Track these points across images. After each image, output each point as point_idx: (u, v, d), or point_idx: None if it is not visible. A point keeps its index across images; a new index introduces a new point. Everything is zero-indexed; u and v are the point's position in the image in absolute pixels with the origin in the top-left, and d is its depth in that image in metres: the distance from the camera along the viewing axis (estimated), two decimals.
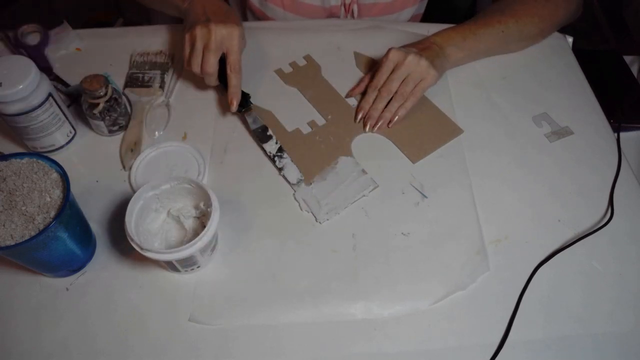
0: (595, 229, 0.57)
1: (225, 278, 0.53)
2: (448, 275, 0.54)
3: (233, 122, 0.66)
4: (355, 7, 0.79)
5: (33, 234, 0.44)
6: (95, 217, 0.57)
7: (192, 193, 0.53)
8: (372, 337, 0.50)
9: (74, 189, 0.59)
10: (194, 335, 0.50)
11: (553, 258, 0.55)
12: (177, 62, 0.71)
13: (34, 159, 0.48)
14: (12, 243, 0.43)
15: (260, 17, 0.81)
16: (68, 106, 0.64)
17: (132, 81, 0.69)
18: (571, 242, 0.56)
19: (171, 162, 0.61)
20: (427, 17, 0.86)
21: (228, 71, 0.62)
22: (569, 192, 0.61)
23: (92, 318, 0.50)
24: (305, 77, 0.70)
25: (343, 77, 0.70)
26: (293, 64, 0.71)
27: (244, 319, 0.51)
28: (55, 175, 0.48)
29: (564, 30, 0.79)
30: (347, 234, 0.56)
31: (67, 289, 0.52)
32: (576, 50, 0.77)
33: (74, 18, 1.30)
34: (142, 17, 1.31)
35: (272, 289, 0.53)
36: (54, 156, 0.61)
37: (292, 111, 0.66)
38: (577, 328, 0.51)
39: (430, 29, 0.78)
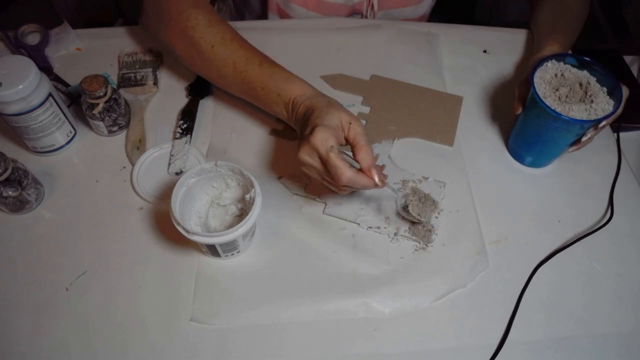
0: (595, 229, 0.57)
1: (225, 278, 0.53)
2: (448, 274, 0.54)
3: (232, 122, 0.66)
4: (375, 0, 0.78)
5: None
6: (96, 217, 0.57)
7: (232, 180, 0.54)
8: (372, 337, 0.50)
9: (74, 189, 0.59)
10: (194, 335, 0.50)
11: (553, 258, 0.55)
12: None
13: None
14: None
15: (282, 17, 0.81)
16: (68, 106, 0.64)
17: (125, 81, 0.69)
18: (571, 242, 0.56)
19: None
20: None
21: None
22: (569, 192, 0.61)
23: (91, 318, 0.50)
24: None
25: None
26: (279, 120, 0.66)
27: (244, 318, 0.51)
28: None
29: None
30: (347, 233, 0.56)
31: (67, 289, 0.52)
32: (576, 50, 0.76)
33: (74, 18, 1.30)
34: None
35: (272, 289, 0.53)
36: (54, 156, 0.62)
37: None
38: (576, 328, 0.51)
39: (430, 28, 0.78)
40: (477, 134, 0.66)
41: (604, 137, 0.66)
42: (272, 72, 0.58)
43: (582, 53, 0.58)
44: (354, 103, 0.69)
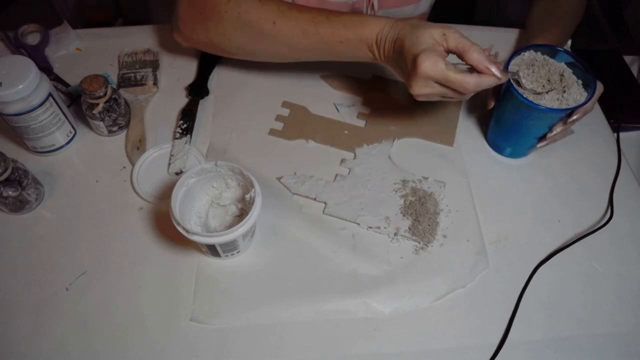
0: (595, 229, 0.57)
1: (225, 278, 0.53)
2: (448, 274, 0.54)
3: (232, 122, 0.66)
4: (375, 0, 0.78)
5: None
6: (96, 217, 0.57)
7: (232, 180, 0.54)
8: (372, 337, 0.50)
9: (74, 189, 0.59)
10: (194, 335, 0.50)
11: (553, 258, 0.55)
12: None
13: None
14: None
15: None
16: (68, 106, 0.64)
17: (125, 81, 0.69)
18: (571, 242, 0.56)
19: None
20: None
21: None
22: (569, 192, 0.61)
23: (91, 318, 0.50)
24: (300, 123, 0.66)
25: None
26: (280, 118, 0.66)
27: (244, 318, 0.51)
28: None
29: None
30: (347, 233, 0.56)
31: (67, 289, 0.52)
32: (576, 50, 0.77)
33: (74, 18, 1.30)
34: (142, 17, 1.31)
35: (272, 289, 0.53)
36: (54, 156, 0.62)
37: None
38: (576, 328, 0.51)
39: None
40: (477, 134, 0.66)
41: (604, 137, 0.66)
42: (343, 22, 0.56)
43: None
44: (354, 103, 0.69)
